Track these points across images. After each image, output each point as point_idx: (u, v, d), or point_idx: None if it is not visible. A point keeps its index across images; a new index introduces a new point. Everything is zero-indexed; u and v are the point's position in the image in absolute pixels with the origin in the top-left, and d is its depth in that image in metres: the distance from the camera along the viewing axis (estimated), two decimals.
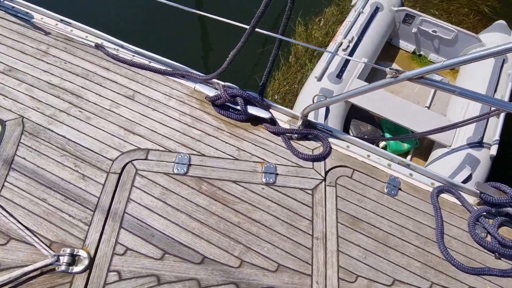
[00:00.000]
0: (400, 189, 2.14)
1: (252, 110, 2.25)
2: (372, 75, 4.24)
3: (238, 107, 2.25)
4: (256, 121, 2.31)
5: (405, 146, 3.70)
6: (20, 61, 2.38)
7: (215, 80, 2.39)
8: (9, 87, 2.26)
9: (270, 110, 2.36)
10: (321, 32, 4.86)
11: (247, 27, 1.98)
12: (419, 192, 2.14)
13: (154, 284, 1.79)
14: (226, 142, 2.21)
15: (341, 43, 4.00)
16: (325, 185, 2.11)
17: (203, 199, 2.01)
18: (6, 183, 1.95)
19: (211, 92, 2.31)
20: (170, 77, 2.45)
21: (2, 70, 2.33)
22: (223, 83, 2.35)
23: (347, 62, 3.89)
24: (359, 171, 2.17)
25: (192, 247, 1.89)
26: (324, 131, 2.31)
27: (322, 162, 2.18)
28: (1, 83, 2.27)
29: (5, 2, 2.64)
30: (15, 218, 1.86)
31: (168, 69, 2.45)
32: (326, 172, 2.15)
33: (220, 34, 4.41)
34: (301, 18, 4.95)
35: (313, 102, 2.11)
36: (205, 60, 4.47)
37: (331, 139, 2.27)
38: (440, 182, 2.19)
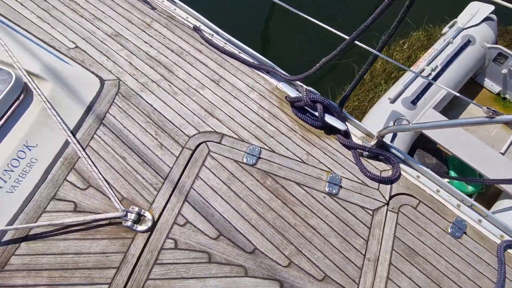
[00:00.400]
0: (465, 233, 2.06)
1: (329, 119, 2.27)
2: (448, 109, 4.08)
3: (316, 113, 2.28)
4: (330, 130, 2.33)
5: (470, 188, 3.53)
6: (126, 29, 2.58)
7: (298, 82, 2.43)
8: (113, 50, 2.47)
9: (346, 122, 2.36)
10: (403, 55, 4.74)
11: (346, 37, 2.00)
12: (485, 241, 2.05)
13: (205, 260, 1.88)
14: (297, 144, 2.25)
15: (423, 70, 3.88)
16: (387, 209, 2.09)
17: (265, 193, 2.07)
18: (95, 135, 2.14)
19: (292, 93, 2.36)
20: (255, 70, 2.53)
21: (110, 34, 2.54)
22: (306, 86, 2.39)
23: (425, 89, 3.78)
24: (425, 204, 2.12)
25: (247, 236, 1.96)
26: (397, 156, 2.27)
27: (389, 186, 2.15)
28: (107, 45, 2.48)
29: None
30: (97, 169, 2.03)
31: (255, 62, 2.54)
32: (391, 197, 2.12)
33: (309, 36, 4.46)
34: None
35: (394, 124, 2.09)
36: (288, 59, 4.52)
37: (402, 165, 2.23)
38: (511, 236, 2.07)
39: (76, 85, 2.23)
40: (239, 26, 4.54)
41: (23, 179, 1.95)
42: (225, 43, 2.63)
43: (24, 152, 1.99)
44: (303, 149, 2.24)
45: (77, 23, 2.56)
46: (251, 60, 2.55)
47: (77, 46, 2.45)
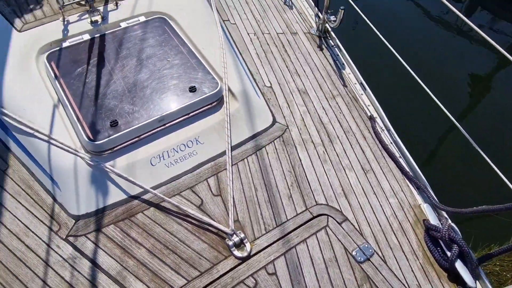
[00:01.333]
0: None
1: (460, 267, 2.06)
2: None
3: (449, 253, 2.10)
4: (454, 277, 2.10)
5: None
6: (314, 91, 2.92)
7: (444, 213, 2.31)
8: (295, 102, 2.81)
9: (477, 281, 2.10)
10: None
11: None
12: None
13: None
14: (413, 271, 2.10)
15: None
16: None
17: None
18: (246, 159, 2.44)
19: (433, 220, 2.24)
20: (406, 180, 2.50)
21: (300, 89, 2.91)
22: (450, 221, 2.25)
23: None
24: None
25: None
26: None
27: None
28: (293, 96, 2.84)
29: (330, 41, 3.31)
30: (232, 185, 2.30)
31: (410, 173, 2.52)
32: None
33: (479, 175, 4.16)
34: None
35: None
36: (445, 184, 4.28)
37: None
38: None
39: (254, 115, 2.62)
40: (414, 133, 4.53)
41: (180, 162, 2.36)
42: (391, 142, 2.70)
43: (192, 143, 2.41)
44: (416, 279, 2.08)
45: (280, 71, 3.02)
46: (407, 169, 2.54)
47: (271, 86, 2.88)
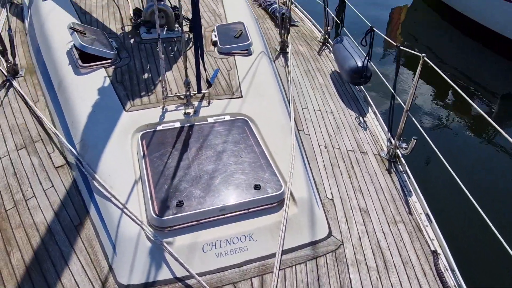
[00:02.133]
0: None
1: None
2: None
3: None
4: None
5: None
6: (376, 213, 2.88)
7: None
8: (354, 219, 2.79)
9: None
10: None
11: None
12: None
13: None
14: None
15: None
16: None
17: None
18: (293, 267, 2.39)
19: None
20: None
21: (361, 207, 2.90)
22: None
23: None
24: None
25: None
26: None
27: None
28: (353, 213, 2.83)
29: (400, 167, 3.33)
30: None
31: None
32: None
33: None
34: None
35: None
36: None
37: None
38: None
39: (311, 223, 2.63)
40: (483, 280, 4.07)
41: (230, 254, 2.39)
42: (455, 285, 2.46)
43: (245, 238, 2.45)
44: None
45: (344, 186, 3.07)
46: None
47: (332, 199, 2.92)
